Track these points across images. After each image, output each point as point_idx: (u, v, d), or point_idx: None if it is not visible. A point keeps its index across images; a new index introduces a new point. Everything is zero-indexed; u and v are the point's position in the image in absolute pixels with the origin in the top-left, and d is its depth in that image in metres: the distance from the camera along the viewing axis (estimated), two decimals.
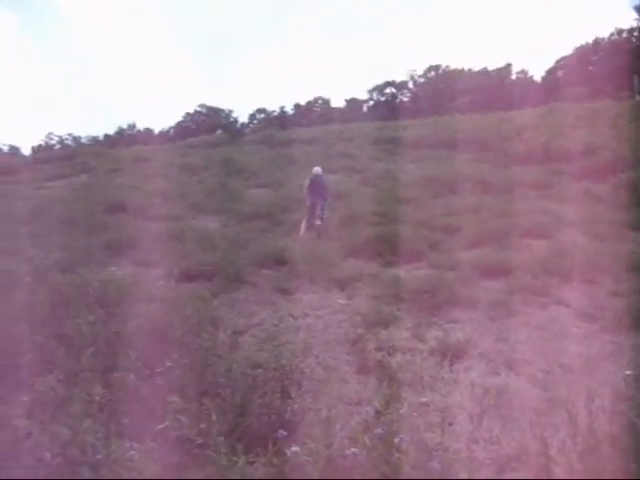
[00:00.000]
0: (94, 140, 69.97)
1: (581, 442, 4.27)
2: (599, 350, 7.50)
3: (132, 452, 3.71)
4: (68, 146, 66.91)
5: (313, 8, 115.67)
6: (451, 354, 7.19)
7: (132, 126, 79.02)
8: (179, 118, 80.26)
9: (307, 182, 14.34)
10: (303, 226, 13.78)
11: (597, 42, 64.84)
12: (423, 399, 5.98)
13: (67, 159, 25.89)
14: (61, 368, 5.12)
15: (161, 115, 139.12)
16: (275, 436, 4.01)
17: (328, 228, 13.70)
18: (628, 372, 6.53)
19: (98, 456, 3.71)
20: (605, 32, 66.04)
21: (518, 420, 5.47)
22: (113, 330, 6.10)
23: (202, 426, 4.13)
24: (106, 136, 73.50)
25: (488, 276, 10.09)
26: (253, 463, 3.83)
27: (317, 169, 14.52)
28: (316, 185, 14.19)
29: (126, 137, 67.97)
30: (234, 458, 3.74)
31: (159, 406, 4.55)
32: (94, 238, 12.37)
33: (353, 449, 3.78)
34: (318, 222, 13.71)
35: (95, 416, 4.17)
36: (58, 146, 70.85)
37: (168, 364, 5.14)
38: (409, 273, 10.45)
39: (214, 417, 4.18)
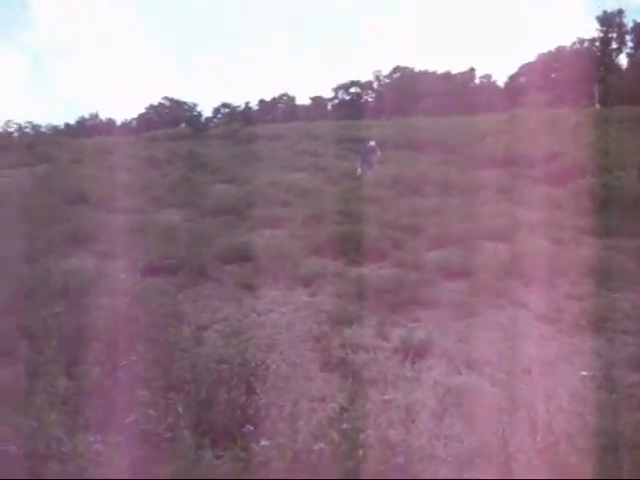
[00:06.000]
0: (55, 129, 68.51)
1: (539, 440, 4.38)
2: (557, 351, 7.66)
3: (97, 445, 3.68)
4: (27, 134, 65.37)
5: (281, 5, 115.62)
6: (414, 353, 7.27)
7: (94, 116, 77.82)
8: (142, 110, 79.46)
9: (363, 148, 20.78)
10: (359, 169, 19.62)
11: (560, 50, 66.06)
12: (386, 397, 6.02)
13: (27, 147, 25.31)
14: (24, 360, 5.05)
15: (124, 106, 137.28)
16: (242, 431, 4.01)
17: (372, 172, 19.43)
18: (584, 373, 6.75)
19: (63, 449, 3.67)
20: (567, 41, 67.32)
21: (479, 418, 5.57)
22: (77, 322, 6.03)
23: (169, 420, 4.11)
24: (67, 125, 72.25)
25: (451, 277, 10.19)
26: (220, 457, 3.83)
27: (372, 142, 20.78)
28: (369, 150, 20.34)
29: (87, 127, 66.85)
30: (201, 452, 3.74)
31: (124, 400, 4.52)
32: (55, 229, 12.11)
33: (320, 444, 3.81)
34: (368, 171, 19.63)
35: (60, 408, 4.13)
36: (17, 134, 69.26)
37: (133, 358, 5.10)
38: (373, 272, 10.50)
39: (181, 411, 4.16)
